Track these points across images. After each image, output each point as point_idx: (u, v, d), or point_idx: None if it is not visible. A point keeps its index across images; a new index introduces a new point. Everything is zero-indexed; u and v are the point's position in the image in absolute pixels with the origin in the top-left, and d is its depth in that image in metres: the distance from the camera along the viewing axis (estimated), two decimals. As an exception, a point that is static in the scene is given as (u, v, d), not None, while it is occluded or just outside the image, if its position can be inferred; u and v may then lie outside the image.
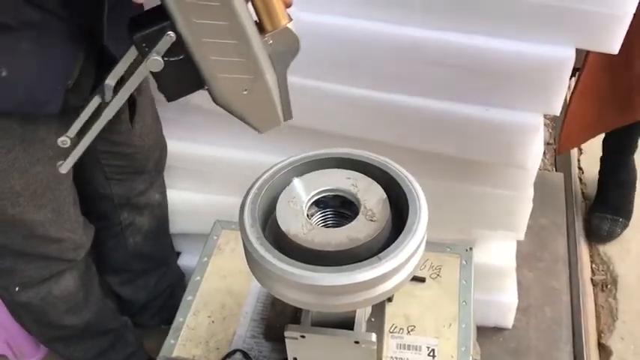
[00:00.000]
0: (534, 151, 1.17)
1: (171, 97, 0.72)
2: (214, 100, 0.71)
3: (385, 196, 0.77)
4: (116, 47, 0.93)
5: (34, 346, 1.55)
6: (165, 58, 0.66)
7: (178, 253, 1.64)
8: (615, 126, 1.61)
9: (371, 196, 0.77)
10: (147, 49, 0.66)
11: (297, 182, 0.80)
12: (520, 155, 1.15)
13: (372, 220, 0.75)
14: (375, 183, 0.79)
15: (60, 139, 0.72)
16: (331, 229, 0.76)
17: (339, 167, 0.82)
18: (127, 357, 1.42)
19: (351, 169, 0.81)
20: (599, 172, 1.95)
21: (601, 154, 1.92)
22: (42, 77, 0.88)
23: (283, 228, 0.74)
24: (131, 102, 1.04)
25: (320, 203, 0.80)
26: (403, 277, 0.73)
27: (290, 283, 0.70)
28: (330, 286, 0.68)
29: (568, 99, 1.55)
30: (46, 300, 1.18)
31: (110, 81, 0.71)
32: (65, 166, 0.74)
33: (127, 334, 1.43)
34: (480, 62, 1.07)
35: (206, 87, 0.70)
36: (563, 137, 1.61)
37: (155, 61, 0.66)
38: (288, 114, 0.77)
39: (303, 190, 0.79)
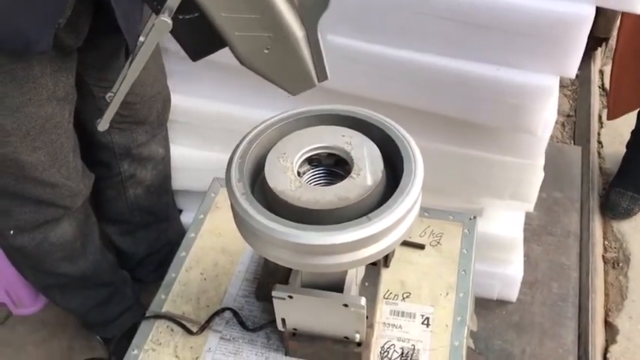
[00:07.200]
0: (546, 117, 1.11)
1: (194, 56, 0.69)
2: (238, 60, 0.67)
3: (379, 154, 0.74)
4: None
5: (33, 296, 1.57)
6: (181, 16, 0.63)
7: (180, 211, 1.62)
8: None
9: (365, 155, 0.74)
10: (158, 7, 0.63)
11: (288, 138, 0.77)
12: (530, 120, 1.09)
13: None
14: (370, 141, 0.76)
15: (107, 95, 0.71)
16: (321, 187, 0.73)
17: (335, 124, 0.79)
18: (124, 311, 1.42)
19: (347, 127, 0.78)
20: (627, 144, 1.86)
21: (623, 128, 1.83)
22: (30, 14, 0.85)
23: (271, 184, 0.71)
24: (127, 49, 1.02)
25: (313, 161, 0.77)
26: (393, 240, 0.70)
27: (274, 241, 0.68)
28: (314, 245, 0.66)
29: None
30: (42, 246, 1.17)
31: (143, 37, 0.68)
32: (103, 124, 0.73)
33: (125, 289, 1.43)
34: (493, 17, 1.01)
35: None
36: (611, 103, 1.53)
37: (162, 22, 0.63)
38: (322, 74, 0.70)
39: (295, 147, 0.76)
